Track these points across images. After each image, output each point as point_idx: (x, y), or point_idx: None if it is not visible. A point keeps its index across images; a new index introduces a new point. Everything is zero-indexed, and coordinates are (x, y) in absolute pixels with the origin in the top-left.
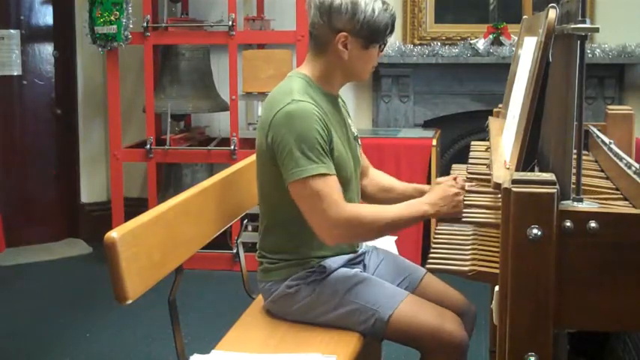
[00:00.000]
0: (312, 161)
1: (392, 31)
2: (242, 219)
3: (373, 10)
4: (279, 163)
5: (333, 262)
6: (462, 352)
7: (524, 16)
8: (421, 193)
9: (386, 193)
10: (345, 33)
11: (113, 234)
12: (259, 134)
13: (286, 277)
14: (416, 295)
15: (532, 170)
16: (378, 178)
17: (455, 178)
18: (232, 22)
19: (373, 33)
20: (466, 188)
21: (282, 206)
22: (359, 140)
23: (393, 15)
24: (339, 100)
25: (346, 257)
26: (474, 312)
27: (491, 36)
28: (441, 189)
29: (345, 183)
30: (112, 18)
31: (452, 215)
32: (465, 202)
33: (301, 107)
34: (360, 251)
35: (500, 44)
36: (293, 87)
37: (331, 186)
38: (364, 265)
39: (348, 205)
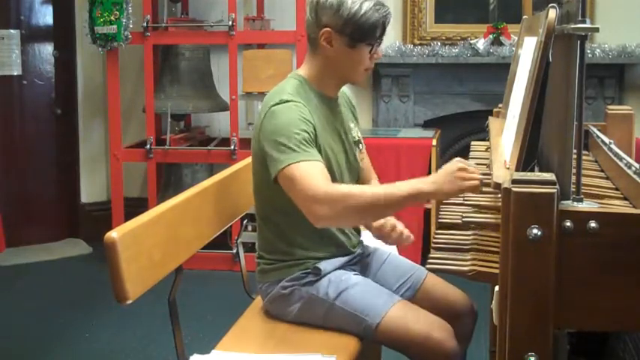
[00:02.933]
0: (290, 150)
1: (382, 33)
2: (242, 219)
3: (360, 8)
4: (267, 160)
5: (329, 264)
6: None
7: (524, 16)
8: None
9: None
10: (328, 29)
11: (113, 234)
12: (253, 135)
13: (282, 277)
14: (418, 296)
15: (532, 170)
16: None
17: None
18: (232, 22)
19: (358, 31)
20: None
21: (273, 205)
22: (360, 145)
23: (385, 16)
24: (346, 102)
25: (343, 259)
26: (475, 311)
27: (491, 36)
28: (445, 167)
29: None
30: (112, 18)
31: (460, 193)
32: (465, 203)
33: (285, 105)
34: (357, 252)
35: (500, 44)
36: (285, 88)
37: (309, 169)
38: (365, 267)
39: (329, 184)
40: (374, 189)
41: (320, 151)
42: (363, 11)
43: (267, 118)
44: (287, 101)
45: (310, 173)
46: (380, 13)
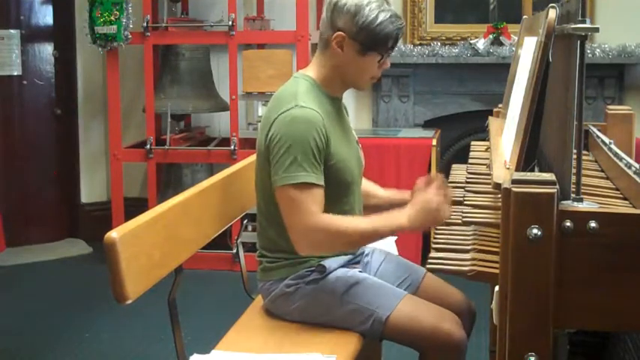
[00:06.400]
0: (302, 169)
1: (394, 44)
2: (242, 219)
3: (376, 18)
4: (271, 164)
5: (333, 261)
6: (460, 352)
7: (524, 16)
8: (400, 199)
9: (367, 198)
10: (342, 33)
11: (113, 234)
12: (260, 133)
13: (285, 276)
14: (417, 295)
15: (532, 170)
16: (366, 186)
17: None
18: (232, 22)
19: (371, 40)
20: (449, 196)
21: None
22: (359, 144)
23: (399, 28)
24: (343, 103)
25: (346, 258)
26: (473, 311)
27: (491, 36)
28: (422, 202)
29: (347, 187)
30: (112, 18)
31: (431, 227)
32: (465, 202)
33: (304, 114)
34: (359, 251)
35: (500, 44)
36: (298, 90)
37: (313, 196)
38: (365, 265)
39: (323, 216)
40: (359, 223)
41: (333, 155)
42: (378, 21)
43: (282, 121)
44: (303, 107)
45: (310, 201)
46: (395, 25)
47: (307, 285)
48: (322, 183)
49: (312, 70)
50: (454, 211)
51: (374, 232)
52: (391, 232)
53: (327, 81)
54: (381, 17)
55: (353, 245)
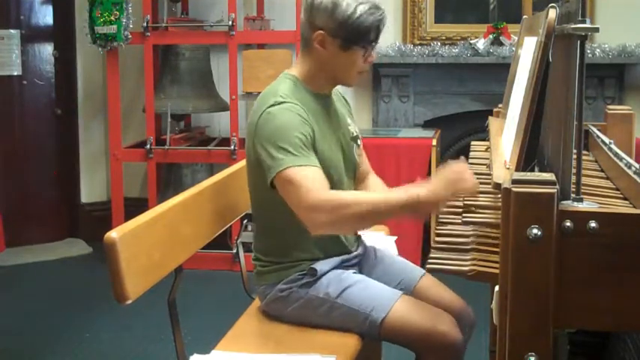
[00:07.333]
0: (289, 153)
1: (377, 37)
2: (242, 219)
3: (354, 11)
4: (263, 165)
5: (324, 264)
6: (455, 352)
7: (524, 16)
8: None
9: None
10: (322, 31)
11: (113, 234)
12: (247, 137)
13: (278, 280)
14: (413, 296)
15: (532, 170)
16: (374, 188)
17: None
18: (232, 22)
19: (351, 34)
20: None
21: (269, 208)
22: (359, 141)
23: (380, 20)
24: (339, 98)
25: (339, 259)
26: (471, 315)
27: (491, 36)
28: (443, 172)
29: (332, 185)
30: (112, 18)
31: (455, 197)
32: (465, 202)
33: (283, 107)
34: (355, 252)
35: (501, 44)
36: (279, 88)
37: (308, 174)
38: (361, 266)
39: (328, 191)
40: (372, 196)
41: (317, 152)
42: (357, 14)
43: (264, 120)
44: (283, 102)
45: (309, 178)
46: (375, 17)
47: (300, 289)
48: (316, 164)
49: (295, 69)
50: (454, 211)
51: (386, 203)
52: (408, 204)
53: (310, 77)
54: (360, 10)
55: (364, 219)
